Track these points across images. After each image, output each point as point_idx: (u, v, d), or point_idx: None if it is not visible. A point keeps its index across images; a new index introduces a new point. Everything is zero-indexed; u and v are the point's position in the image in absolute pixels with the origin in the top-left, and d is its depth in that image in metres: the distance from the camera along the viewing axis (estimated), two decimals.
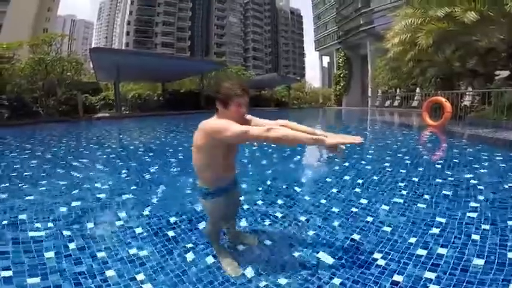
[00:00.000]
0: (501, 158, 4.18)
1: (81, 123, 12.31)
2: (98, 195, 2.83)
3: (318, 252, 1.81)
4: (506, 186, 2.88)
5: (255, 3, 79.67)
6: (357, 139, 1.40)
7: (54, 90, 14.73)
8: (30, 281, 1.55)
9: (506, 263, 1.63)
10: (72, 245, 1.89)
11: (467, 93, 12.44)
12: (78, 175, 3.62)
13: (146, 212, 2.44)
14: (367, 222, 2.21)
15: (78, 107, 15.02)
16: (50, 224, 2.20)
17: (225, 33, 73.32)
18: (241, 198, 2.31)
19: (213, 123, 1.49)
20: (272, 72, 48.94)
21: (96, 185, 3.21)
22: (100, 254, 1.79)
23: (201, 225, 2.18)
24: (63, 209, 2.47)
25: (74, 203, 2.61)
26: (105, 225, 2.22)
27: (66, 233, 2.06)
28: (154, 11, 63.72)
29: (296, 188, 3.03)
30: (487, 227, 2.06)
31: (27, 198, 2.77)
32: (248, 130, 1.36)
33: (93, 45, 64.69)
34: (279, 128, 1.38)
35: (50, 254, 1.79)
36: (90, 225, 2.20)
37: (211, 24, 72.19)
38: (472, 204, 2.47)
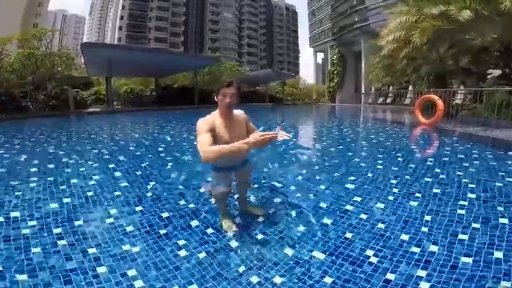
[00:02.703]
0: (491, 156, 4.25)
1: (71, 118, 12.09)
2: (89, 192, 2.78)
3: (311, 250, 1.82)
4: (496, 185, 2.93)
5: None
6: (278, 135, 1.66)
7: (44, 85, 14.41)
8: (20, 277, 1.51)
9: (494, 261, 1.66)
10: (62, 242, 1.86)
11: (459, 91, 12.60)
12: (68, 171, 3.56)
13: (138, 208, 2.41)
14: (360, 219, 2.23)
15: (68, 101, 14.74)
16: (40, 221, 2.15)
17: (219, 29, 72.64)
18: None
19: (199, 122, 1.88)
20: (267, 68, 48.76)
21: (86, 180, 3.15)
22: (91, 250, 1.76)
23: (194, 222, 2.17)
24: (54, 205, 2.43)
25: (64, 199, 2.56)
26: (96, 221, 2.18)
27: (56, 230, 2.02)
28: (147, 6, 62.65)
29: (289, 185, 3.04)
30: (477, 225, 2.09)
31: (16, 194, 2.71)
32: (202, 145, 1.70)
33: (84, 40, 63.45)
34: (214, 146, 1.68)
35: (39, 250, 1.75)
36: (79, 222, 2.16)
37: (205, 20, 71.39)
38: (462, 202, 2.50)
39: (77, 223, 2.13)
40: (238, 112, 2.08)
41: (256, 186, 2.93)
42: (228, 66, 27.45)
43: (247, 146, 1.62)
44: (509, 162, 3.88)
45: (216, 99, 1.94)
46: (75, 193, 2.74)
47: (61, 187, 2.91)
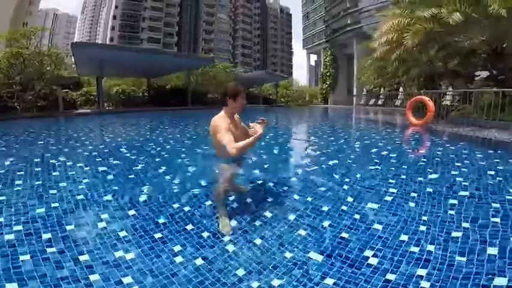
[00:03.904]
0: (481, 156, 4.33)
1: (60, 119, 11.84)
2: (79, 196, 2.70)
3: (308, 252, 1.80)
4: (486, 183, 2.97)
5: None
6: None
7: (33, 85, 14.07)
8: (9, 287, 1.45)
9: (486, 259, 1.67)
10: (51, 249, 1.79)
11: (448, 92, 12.87)
12: (56, 174, 3.46)
13: (131, 213, 2.35)
14: (355, 220, 2.22)
15: (57, 102, 14.44)
16: (28, 226, 2.07)
17: (213, 30, 72.48)
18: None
19: (219, 121, 2.19)
20: (260, 70, 48.83)
21: (76, 184, 3.07)
22: (83, 258, 1.70)
23: (189, 226, 2.13)
24: (42, 210, 2.34)
25: (53, 204, 2.48)
26: (88, 227, 2.12)
27: (45, 236, 1.95)
28: (141, 6, 62.08)
29: (285, 187, 3.02)
30: (467, 224, 2.10)
31: (0, 198, 2.61)
32: (230, 143, 2.06)
33: (75, 40, 62.47)
34: (239, 143, 2.09)
35: (27, 258, 1.68)
36: (70, 227, 2.09)
37: (199, 20, 71.16)
38: (453, 201, 2.52)
39: (67, 228, 2.06)
40: None
41: (251, 187, 2.90)
42: (222, 67, 27.35)
43: (261, 137, 2.14)
44: (498, 161, 3.96)
45: (229, 100, 2.24)
46: (65, 197, 2.66)
47: (50, 191, 2.81)
